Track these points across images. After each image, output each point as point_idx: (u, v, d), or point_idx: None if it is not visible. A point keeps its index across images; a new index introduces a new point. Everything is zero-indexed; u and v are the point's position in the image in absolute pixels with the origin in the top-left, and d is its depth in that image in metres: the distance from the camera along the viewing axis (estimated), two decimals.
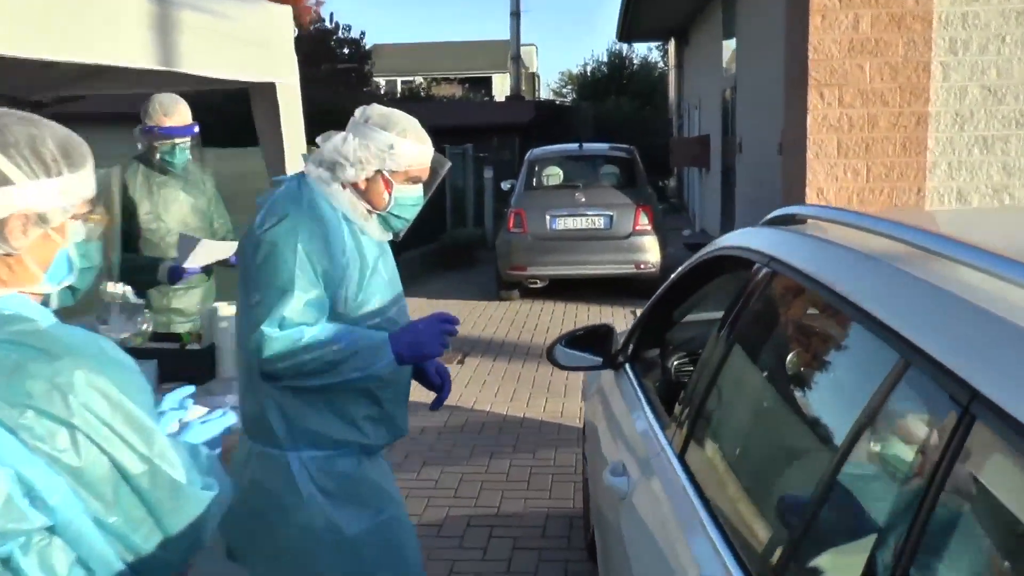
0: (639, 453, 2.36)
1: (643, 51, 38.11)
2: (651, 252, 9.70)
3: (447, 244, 12.84)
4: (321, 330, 2.13)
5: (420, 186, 2.34)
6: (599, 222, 9.82)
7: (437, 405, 2.46)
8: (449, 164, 2.43)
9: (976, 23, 6.58)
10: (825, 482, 1.38)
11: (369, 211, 2.31)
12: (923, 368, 1.22)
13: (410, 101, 27.83)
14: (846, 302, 1.52)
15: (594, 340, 2.99)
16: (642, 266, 9.71)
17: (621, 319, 9.23)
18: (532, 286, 10.25)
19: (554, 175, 10.47)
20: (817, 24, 6.87)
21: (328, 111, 16.17)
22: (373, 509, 2.30)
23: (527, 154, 11.00)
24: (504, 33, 37.44)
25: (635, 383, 2.83)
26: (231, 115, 14.27)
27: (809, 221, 2.23)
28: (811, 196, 7.28)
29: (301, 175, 2.33)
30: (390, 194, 2.29)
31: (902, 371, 1.28)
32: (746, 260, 2.18)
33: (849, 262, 1.65)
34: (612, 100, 31.15)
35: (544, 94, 42.38)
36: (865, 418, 1.34)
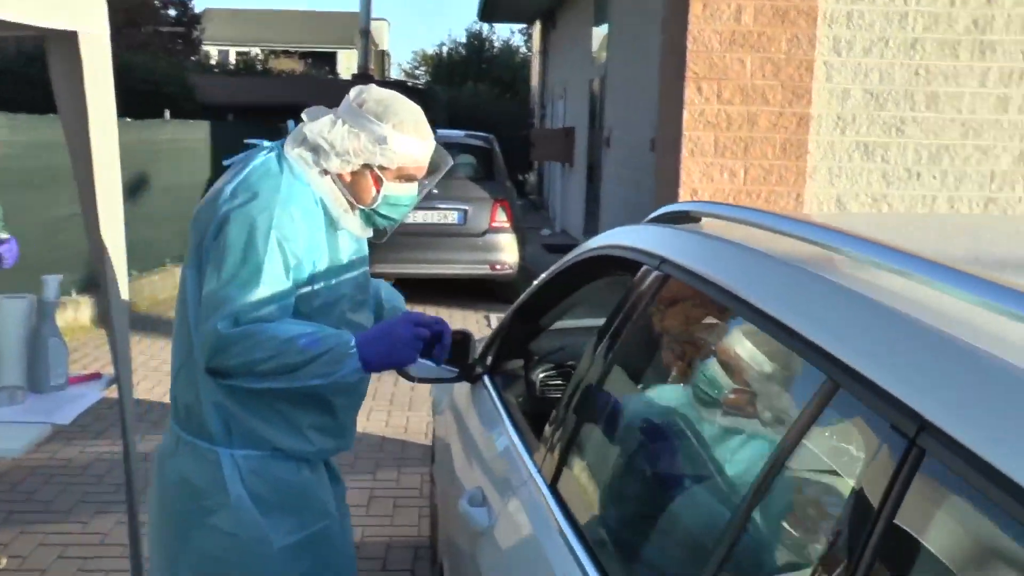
0: (502, 480, 2.23)
1: (505, 34, 38.46)
2: (508, 252, 9.68)
3: None
4: (281, 328, 2.06)
5: (414, 185, 2.27)
6: (451, 217, 9.74)
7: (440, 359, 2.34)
8: (451, 162, 2.34)
9: (861, 23, 6.84)
10: (734, 525, 1.27)
11: (352, 205, 2.24)
12: (856, 391, 1.13)
13: (244, 75, 27.06)
14: (756, 312, 1.43)
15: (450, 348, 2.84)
16: (498, 267, 9.67)
17: (474, 325, 9.14)
18: None
19: None
20: (698, 13, 6.98)
21: (146, 81, 15.45)
22: (306, 520, 2.28)
23: None
24: (353, 5, 36.96)
25: (495, 398, 2.71)
26: (26, 76, 13.36)
27: (704, 220, 2.16)
28: (684, 197, 7.40)
29: (280, 147, 2.24)
30: (378, 191, 2.22)
31: (829, 394, 1.19)
32: (631, 262, 2.10)
33: (758, 266, 1.57)
34: (469, 86, 31.23)
35: (395, 75, 42.15)
36: (781, 449, 1.25)
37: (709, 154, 7.31)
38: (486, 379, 2.91)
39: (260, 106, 18.50)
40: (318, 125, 2.20)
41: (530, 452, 2.21)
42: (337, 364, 2.08)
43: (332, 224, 2.22)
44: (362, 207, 2.25)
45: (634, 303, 1.93)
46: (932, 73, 6.78)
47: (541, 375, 3.06)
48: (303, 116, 2.26)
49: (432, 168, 2.29)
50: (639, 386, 1.95)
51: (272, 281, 2.08)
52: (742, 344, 1.60)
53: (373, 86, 2.26)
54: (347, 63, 37.52)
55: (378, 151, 2.18)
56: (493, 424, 2.55)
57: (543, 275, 2.83)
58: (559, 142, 15.09)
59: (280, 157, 2.22)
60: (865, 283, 1.34)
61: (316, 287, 2.18)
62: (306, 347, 2.05)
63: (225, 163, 2.28)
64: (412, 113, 2.22)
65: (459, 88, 30.27)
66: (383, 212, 2.26)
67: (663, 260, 1.88)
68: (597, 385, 1.92)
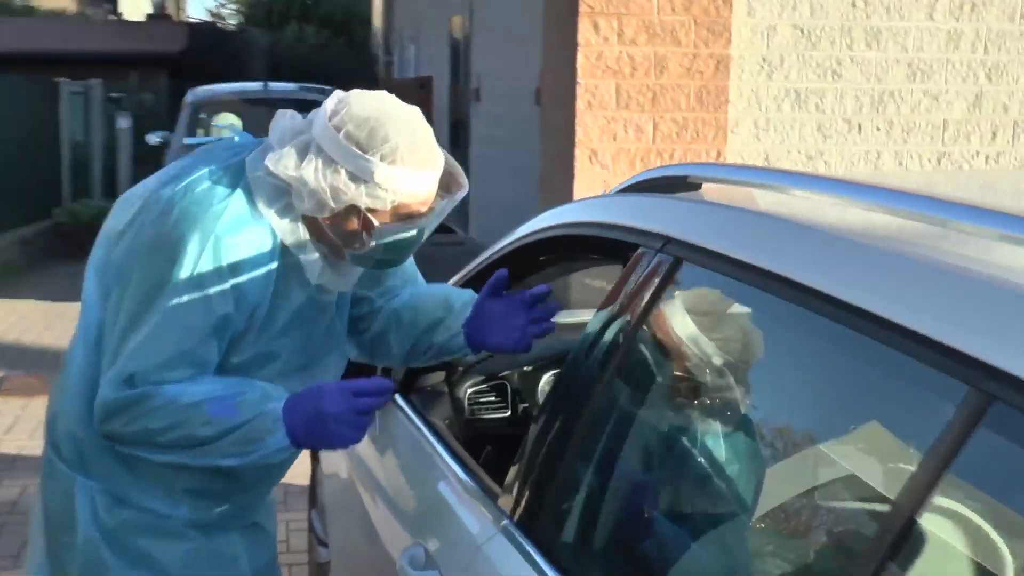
0: (454, 533, 2.09)
1: None
2: None
3: (64, 223, 12.02)
4: (187, 390, 1.95)
5: (417, 221, 2.11)
6: None
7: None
8: (466, 185, 2.17)
9: None
10: None
11: (335, 247, 2.12)
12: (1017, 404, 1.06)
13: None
14: (838, 305, 1.35)
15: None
16: None
17: None
18: None
19: (230, 125, 10.04)
20: None
21: None
22: None
23: (187, 95, 10.47)
24: None
25: (418, 423, 2.58)
26: None
27: (706, 186, 2.07)
28: (581, 158, 7.38)
29: (248, 153, 2.11)
30: (369, 235, 2.08)
31: (978, 412, 1.11)
32: (612, 243, 2.00)
33: (824, 245, 1.49)
34: (293, 27, 30.57)
35: (196, 14, 41.06)
36: (907, 498, 1.16)
37: (610, 107, 7.30)
38: (398, 398, 2.77)
39: (22, 55, 17.81)
40: (283, 160, 2.03)
41: (489, 495, 2.08)
42: (255, 442, 1.99)
43: (285, 263, 2.10)
44: (349, 251, 2.14)
45: (629, 297, 1.82)
46: (872, 5, 6.93)
47: (470, 391, 2.95)
48: (271, 126, 2.11)
49: (442, 190, 2.15)
50: (651, 407, 1.85)
51: (185, 331, 1.97)
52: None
53: (353, 97, 2.08)
54: (132, 3, 36.24)
55: (364, 191, 2.04)
56: (423, 457, 2.41)
57: (469, 266, 2.70)
58: (412, 96, 14.91)
59: (241, 169, 2.09)
60: (972, 258, 1.27)
61: (244, 340, 2.08)
62: (214, 416, 1.95)
63: (187, 142, 2.14)
64: (408, 133, 2.05)
65: (279, 32, 29.55)
66: (379, 256, 2.15)
67: (668, 240, 1.78)
68: (591, 405, 1.80)
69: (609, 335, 1.81)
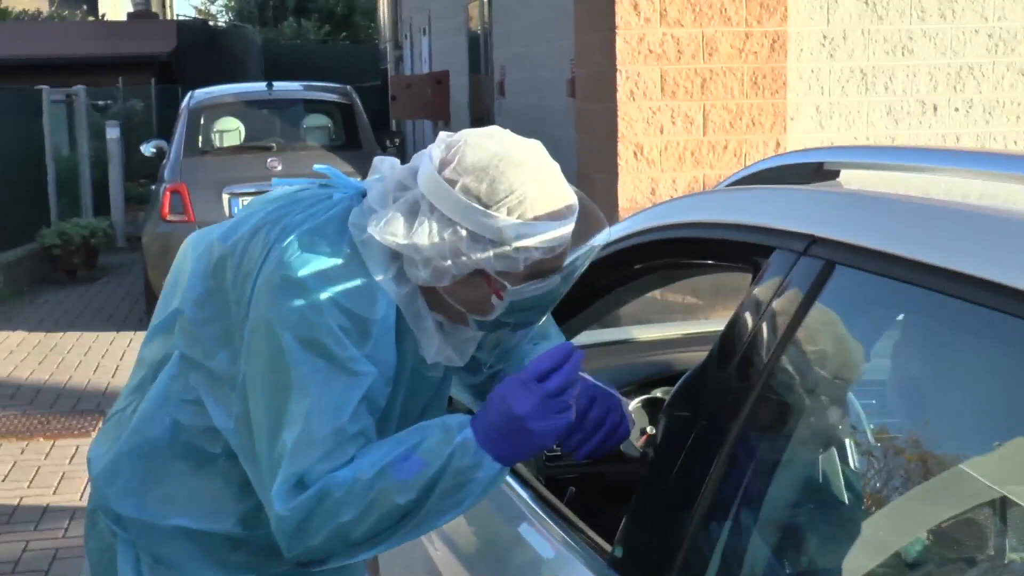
0: None
1: None
2: None
3: (51, 245, 11.98)
4: (362, 467, 1.87)
5: (556, 277, 1.97)
6: None
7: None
8: (607, 230, 2.03)
9: None
10: None
11: (447, 318, 2.03)
12: None
13: None
14: None
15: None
16: None
17: None
18: None
19: (232, 131, 10.10)
20: None
21: None
22: None
23: (186, 100, 10.43)
24: None
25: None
26: None
27: (845, 173, 1.94)
28: (625, 154, 7.26)
29: (354, 200, 2.03)
30: (500, 299, 1.95)
31: None
32: (733, 245, 1.87)
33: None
34: (290, 23, 30.68)
35: (183, 11, 41.23)
36: None
37: (654, 96, 7.18)
38: None
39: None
40: (390, 226, 1.91)
41: (591, 547, 1.94)
42: (465, 485, 1.88)
43: (401, 332, 2.01)
44: (475, 317, 2.02)
45: (767, 310, 1.69)
46: None
47: None
48: (374, 174, 2.03)
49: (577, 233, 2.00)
50: (805, 438, 1.71)
51: (336, 409, 1.88)
52: None
53: (464, 142, 1.92)
54: (112, 3, 36.42)
55: (492, 253, 1.89)
56: (500, 497, 2.28)
57: None
58: (427, 93, 14.91)
59: (344, 224, 1.98)
60: None
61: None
62: (406, 478, 1.86)
63: (276, 183, 2.17)
64: (537, 178, 1.90)
65: (274, 28, 29.66)
66: (511, 321, 2.03)
67: (813, 240, 1.65)
68: (733, 440, 1.66)
69: (751, 355, 1.68)
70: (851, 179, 2.00)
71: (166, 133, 11.87)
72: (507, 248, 1.88)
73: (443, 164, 1.90)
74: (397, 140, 12.89)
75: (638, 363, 2.76)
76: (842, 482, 1.71)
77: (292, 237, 1.95)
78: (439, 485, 1.86)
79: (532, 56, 10.52)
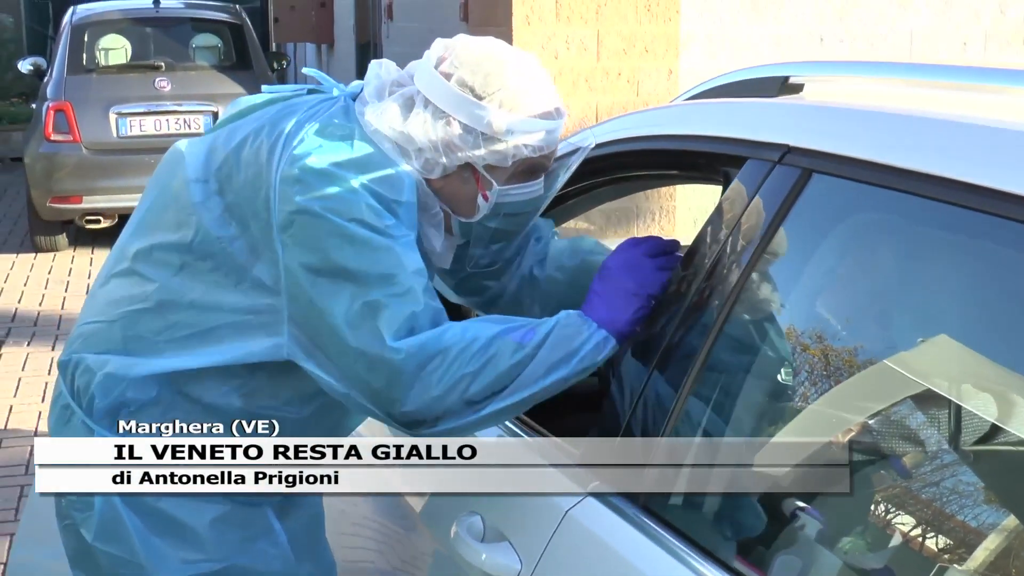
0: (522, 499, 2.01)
1: None
2: None
3: None
4: (476, 328, 1.91)
5: (540, 180, 2.05)
6: (197, 123, 9.31)
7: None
8: (593, 142, 2.07)
9: None
10: None
11: (445, 215, 2.08)
12: None
13: None
14: None
15: None
16: None
17: None
18: (92, 227, 9.48)
19: (118, 49, 9.79)
20: None
21: None
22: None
23: (67, 15, 10.09)
24: None
25: None
26: None
27: (810, 86, 2.00)
28: None
29: (350, 98, 2.06)
30: (486, 199, 2.02)
31: None
32: (701, 156, 1.92)
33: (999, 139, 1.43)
34: None
35: None
36: None
37: (549, 20, 7.17)
38: None
39: None
40: (385, 115, 1.98)
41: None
42: (574, 337, 1.91)
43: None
44: (460, 218, 2.07)
45: (740, 218, 1.74)
46: None
47: None
48: (369, 74, 2.05)
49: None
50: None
51: (406, 261, 1.92)
52: None
53: (461, 42, 2.01)
54: None
55: (483, 145, 1.97)
56: None
57: None
58: (311, 15, 14.60)
59: (350, 118, 2.02)
60: None
61: None
62: (522, 341, 1.90)
63: (264, 90, 2.15)
64: (527, 73, 1.98)
65: None
66: (495, 225, 2.08)
67: (788, 149, 1.71)
68: (708, 343, 1.72)
69: (725, 261, 1.73)
70: (817, 92, 2.05)
71: (39, 51, 11.47)
72: (497, 142, 1.95)
73: (439, 61, 1.99)
74: (285, 62, 12.69)
75: None
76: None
77: (304, 132, 1.96)
78: (549, 340, 1.91)
79: None
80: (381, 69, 2.06)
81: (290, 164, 1.93)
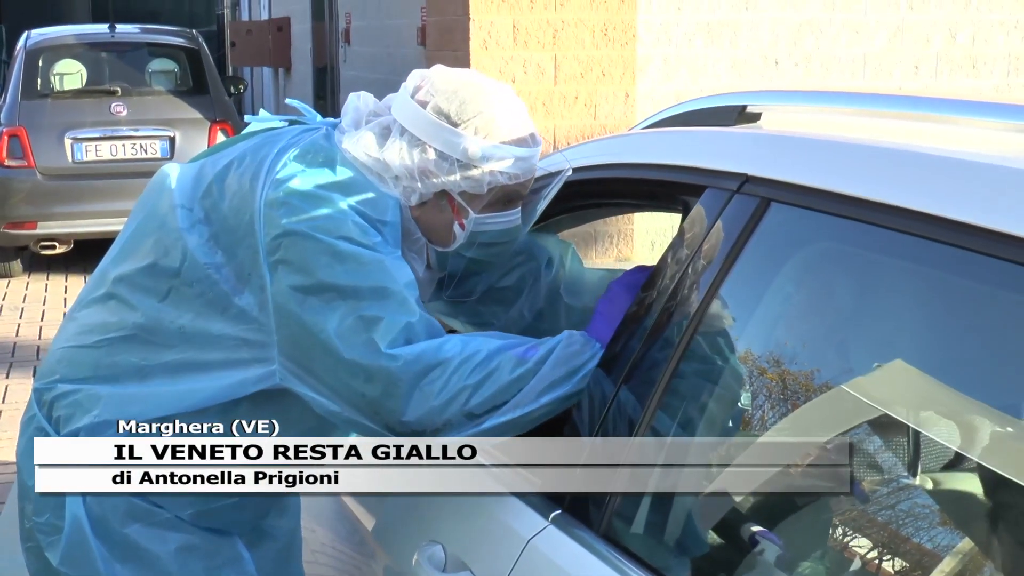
0: (483, 527, 2.01)
1: None
2: None
3: None
4: (478, 343, 1.92)
5: (517, 209, 2.08)
6: (153, 148, 9.30)
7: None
8: (570, 170, 2.09)
9: None
10: None
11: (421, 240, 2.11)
12: None
13: None
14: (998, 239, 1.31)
15: None
16: None
17: None
18: (47, 252, 9.41)
19: (74, 74, 9.75)
20: None
21: None
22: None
23: (22, 40, 10.04)
24: None
25: None
26: None
27: (767, 115, 2.03)
28: None
29: (331, 128, 2.09)
30: (463, 228, 2.04)
31: None
32: (659, 185, 1.94)
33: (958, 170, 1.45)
34: None
35: None
36: None
37: (507, 45, 7.20)
38: None
39: None
40: (362, 142, 2.00)
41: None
42: (576, 355, 1.92)
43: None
44: (437, 248, 2.10)
45: (699, 248, 1.76)
46: None
47: None
48: (346, 106, 2.08)
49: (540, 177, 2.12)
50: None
51: (397, 274, 1.94)
52: None
53: (437, 72, 2.05)
54: None
55: (458, 172, 1.99)
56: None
57: None
58: (268, 40, 14.61)
59: (332, 147, 2.04)
60: None
61: None
62: (522, 357, 1.91)
63: (248, 119, 2.18)
64: (502, 101, 2.02)
65: None
66: (471, 255, 2.11)
67: (746, 179, 1.73)
68: (667, 370, 1.74)
69: (685, 291, 1.75)
70: (774, 120, 2.08)
71: None
72: (472, 168, 1.98)
73: (416, 90, 2.02)
74: (242, 87, 12.66)
75: None
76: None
77: (286, 157, 1.99)
78: (551, 358, 1.92)
79: (381, 3, 10.42)
80: (359, 100, 2.09)
81: (274, 188, 1.95)
